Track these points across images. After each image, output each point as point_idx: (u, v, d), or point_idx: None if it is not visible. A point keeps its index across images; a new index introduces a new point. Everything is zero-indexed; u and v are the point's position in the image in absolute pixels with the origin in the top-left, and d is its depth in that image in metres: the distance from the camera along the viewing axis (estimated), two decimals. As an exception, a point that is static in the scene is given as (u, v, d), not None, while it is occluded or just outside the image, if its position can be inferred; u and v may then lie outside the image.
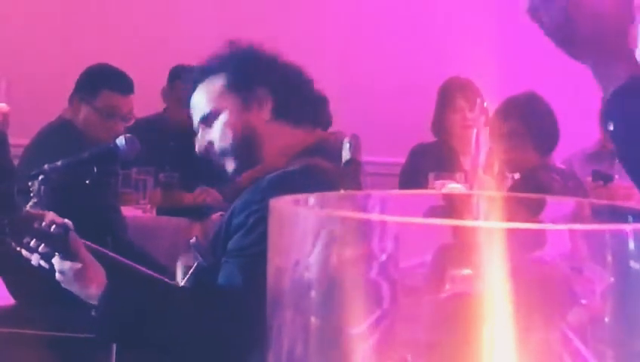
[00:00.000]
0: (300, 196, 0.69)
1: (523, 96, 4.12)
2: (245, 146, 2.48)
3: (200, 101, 2.56)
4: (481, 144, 4.64)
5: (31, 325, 3.71)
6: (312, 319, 0.69)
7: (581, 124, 4.61)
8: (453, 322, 0.67)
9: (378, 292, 0.67)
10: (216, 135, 2.52)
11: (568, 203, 0.82)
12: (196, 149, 2.61)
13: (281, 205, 0.68)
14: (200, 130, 2.59)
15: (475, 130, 4.63)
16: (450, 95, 4.98)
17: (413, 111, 5.30)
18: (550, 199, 0.80)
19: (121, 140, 3.02)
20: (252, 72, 2.51)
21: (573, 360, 0.69)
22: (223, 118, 2.51)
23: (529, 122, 3.98)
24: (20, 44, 5.68)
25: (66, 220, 2.44)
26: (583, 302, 0.70)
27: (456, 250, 0.69)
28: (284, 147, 2.48)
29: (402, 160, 5.05)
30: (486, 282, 0.67)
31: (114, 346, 3.76)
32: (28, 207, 3.09)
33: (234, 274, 2.30)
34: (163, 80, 5.29)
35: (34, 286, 3.30)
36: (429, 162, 4.66)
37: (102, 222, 3.59)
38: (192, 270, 2.54)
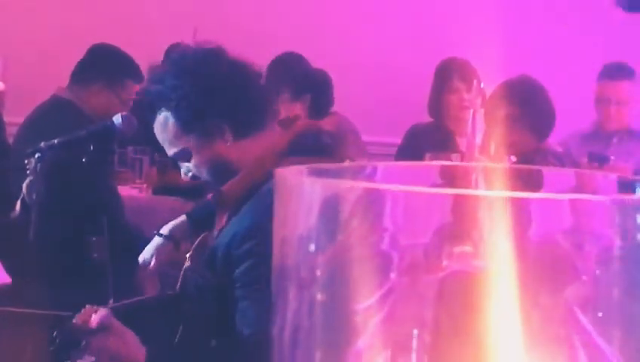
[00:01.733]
0: (305, 167, 0.68)
1: (518, 79, 4.10)
2: (222, 173, 2.47)
3: (162, 141, 2.52)
4: (478, 125, 4.64)
5: (27, 304, 3.70)
6: (318, 294, 0.69)
7: (577, 105, 4.60)
8: (457, 297, 0.67)
9: (385, 267, 0.67)
10: (193, 169, 2.51)
11: (569, 176, 0.82)
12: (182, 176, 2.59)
13: (287, 175, 0.68)
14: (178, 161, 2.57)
15: (471, 111, 4.61)
16: (447, 76, 4.96)
17: (410, 92, 5.29)
18: (548, 172, 0.80)
19: (118, 118, 3.01)
20: (199, 108, 2.43)
21: (577, 333, 0.69)
22: (189, 158, 2.50)
23: (525, 106, 3.97)
24: (16, 23, 5.66)
25: (103, 312, 2.43)
26: (584, 277, 0.69)
27: (456, 225, 0.68)
28: (259, 159, 2.46)
29: (399, 140, 5.04)
30: (488, 255, 0.66)
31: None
32: (24, 185, 3.08)
33: (253, 319, 2.31)
34: (159, 58, 5.27)
35: (31, 264, 3.29)
36: (425, 143, 4.65)
37: (98, 201, 3.58)
38: (181, 274, 2.54)
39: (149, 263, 3.32)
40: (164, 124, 2.47)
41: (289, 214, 0.69)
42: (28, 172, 3.04)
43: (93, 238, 3.24)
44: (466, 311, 0.70)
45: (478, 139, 4.34)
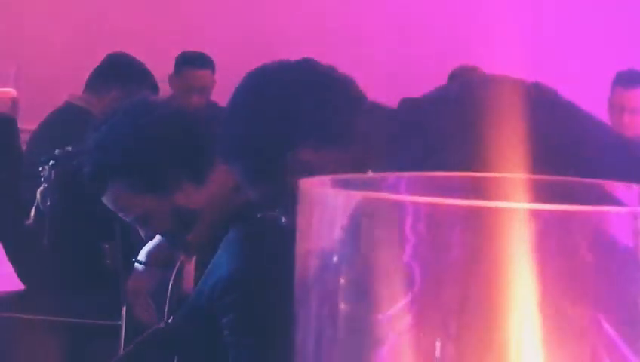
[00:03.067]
0: (328, 178, 0.68)
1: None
2: (185, 223, 2.34)
3: (116, 210, 2.38)
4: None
5: (41, 311, 3.71)
6: (341, 306, 0.68)
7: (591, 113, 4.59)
8: (481, 307, 0.67)
9: (408, 277, 0.67)
10: (155, 229, 2.40)
11: (590, 186, 0.81)
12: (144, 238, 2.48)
13: (310, 187, 0.68)
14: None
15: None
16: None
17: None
18: (570, 182, 0.79)
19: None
20: (151, 168, 2.29)
21: (602, 344, 0.68)
22: (150, 220, 2.36)
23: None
24: (30, 31, 5.68)
25: None
26: (608, 288, 0.69)
27: (476, 238, 0.68)
28: (217, 198, 2.32)
29: (410, 147, 5.04)
30: (513, 266, 0.66)
31: (122, 332, 3.76)
32: (38, 193, 3.09)
33: None
34: (170, 67, 5.28)
35: (44, 271, 3.30)
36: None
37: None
38: (167, 303, 2.52)
39: (137, 291, 3.30)
40: (114, 193, 2.33)
41: (312, 226, 0.68)
42: (42, 179, 3.05)
43: (106, 245, 3.25)
44: (489, 322, 0.69)
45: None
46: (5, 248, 3.14)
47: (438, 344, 0.69)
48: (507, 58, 4.17)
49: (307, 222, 0.69)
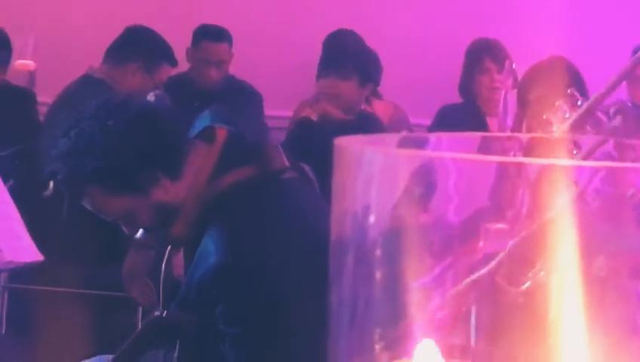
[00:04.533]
0: (364, 137, 0.67)
1: (550, 61, 4.07)
2: (166, 218, 2.32)
3: (97, 212, 2.37)
4: (509, 106, 4.60)
5: (59, 283, 3.72)
6: (377, 268, 0.68)
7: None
8: (523, 266, 0.66)
9: (446, 239, 0.66)
10: (139, 226, 2.38)
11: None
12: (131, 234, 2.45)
13: (346, 146, 0.67)
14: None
15: (503, 92, 4.58)
16: (478, 56, 4.93)
17: (441, 73, 5.26)
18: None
19: (151, 97, 3.01)
20: (124, 170, 2.28)
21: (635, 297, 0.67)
22: (131, 219, 2.35)
23: (557, 89, 3.93)
24: (47, 3, 5.66)
25: None
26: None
27: (500, 199, 0.67)
28: (195, 189, 2.31)
29: (428, 122, 5.02)
30: (557, 222, 0.65)
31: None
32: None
33: (244, 352, 2.26)
34: (187, 40, 5.27)
35: (63, 242, 3.30)
36: (455, 124, 4.63)
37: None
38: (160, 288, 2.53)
39: (133, 273, 3.30)
40: (92, 197, 2.32)
41: (348, 185, 0.67)
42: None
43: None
44: (524, 287, 0.68)
45: (510, 121, 4.31)
46: (25, 220, 3.15)
47: (473, 309, 0.68)
48: (529, 32, 4.14)
49: (343, 181, 0.68)
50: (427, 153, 0.64)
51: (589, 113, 0.85)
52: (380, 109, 4.73)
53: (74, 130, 2.30)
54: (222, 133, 2.39)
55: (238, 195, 2.33)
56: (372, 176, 0.65)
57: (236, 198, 2.32)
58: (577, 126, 0.79)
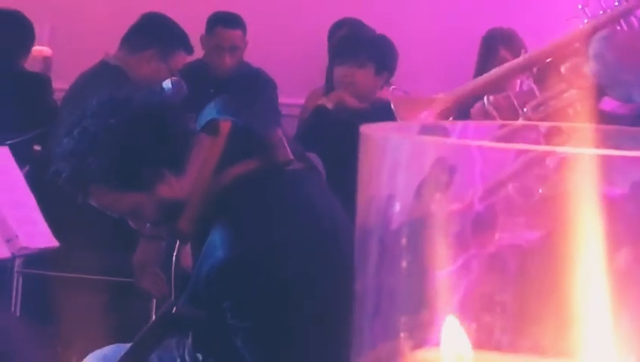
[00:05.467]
0: (391, 124, 0.67)
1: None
2: (173, 213, 2.32)
3: (104, 209, 2.39)
4: (524, 83, 4.58)
5: (75, 269, 3.73)
6: (402, 256, 0.67)
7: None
8: (550, 254, 0.65)
9: (472, 227, 0.66)
10: (147, 221, 2.39)
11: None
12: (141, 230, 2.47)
13: (373, 133, 0.67)
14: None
15: (518, 82, 4.56)
16: (494, 45, 4.92)
17: (456, 62, 5.25)
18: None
19: (167, 84, 3.01)
20: (129, 168, 2.28)
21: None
22: (138, 215, 2.36)
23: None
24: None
25: None
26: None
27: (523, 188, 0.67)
28: (201, 183, 2.32)
29: (443, 111, 5.01)
30: (582, 211, 0.65)
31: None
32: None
33: (253, 348, 2.27)
34: (203, 27, 5.27)
35: (78, 228, 3.30)
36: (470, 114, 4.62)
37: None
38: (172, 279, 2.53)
39: (144, 264, 3.30)
40: (97, 195, 2.33)
41: (373, 173, 0.67)
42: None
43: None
44: (549, 274, 0.68)
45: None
46: (40, 205, 3.16)
47: (499, 299, 0.68)
48: (544, 22, 4.13)
49: (369, 168, 0.67)
50: (453, 140, 0.64)
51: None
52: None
53: (77, 128, 2.30)
54: (226, 126, 2.38)
55: (243, 188, 2.32)
56: (398, 163, 0.65)
57: (241, 191, 2.32)
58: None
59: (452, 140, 0.64)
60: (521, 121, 1.78)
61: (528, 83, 3.13)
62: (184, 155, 2.32)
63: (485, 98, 2.70)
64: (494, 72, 2.54)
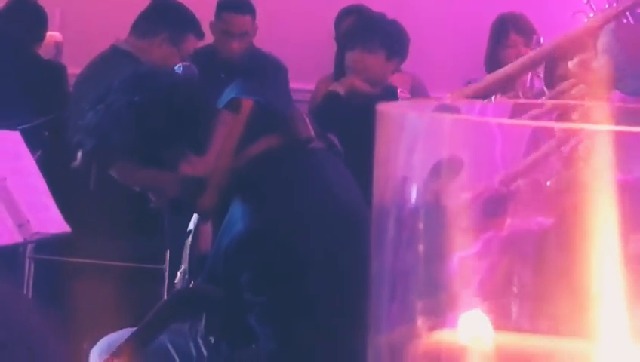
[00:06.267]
0: (408, 101, 0.66)
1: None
2: (195, 191, 2.33)
3: (124, 182, 2.38)
4: (535, 81, 4.57)
5: (86, 254, 3.73)
6: (419, 237, 0.66)
7: None
8: (568, 234, 0.65)
9: (493, 207, 0.65)
10: (166, 196, 2.38)
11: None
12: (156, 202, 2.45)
13: (390, 110, 0.66)
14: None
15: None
16: (504, 30, 4.91)
17: (466, 47, 5.23)
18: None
19: (179, 68, 3.00)
20: (152, 146, 2.29)
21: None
22: (160, 190, 2.37)
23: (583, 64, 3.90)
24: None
25: None
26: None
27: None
28: (223, 160, 2.32)
29: (454, 96, 5.00)
30: (600, 189, 0.64)
31: (166, 276, 3.78)
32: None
33: (269, 325, 2.26)
34: (212, 12, 5.26)
35: (90, 214, 3.31)
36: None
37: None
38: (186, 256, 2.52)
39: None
40: (119, 169, 2.34)
41: (391, 152, 0.66)
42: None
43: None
44: (566, 256, 0.67)
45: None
46: (52, 191, 3.16)
47: (516, 281, 0.67)
48: (555, 6, 4.11)
49: (386, 146, 0.66)
50: (473, 117, 0.63)
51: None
52: (399, 82, 4.70)
53: (101, 104, 2.31)
54: (247, 103, 2.39)
55: (265, 165, 2.33)
56: (415, 141, 0.64)
57: (262, 168, 2.33)
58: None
59: (471, 117, 0.63)
60: (543, 100, 1.77)
61: (538, 81, 3.12)
62: (206, 133, 2.33)
63: (493, 98, 2.69)
64: (502, 71, 2.53)
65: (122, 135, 2.27)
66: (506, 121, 0.60)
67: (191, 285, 2.45)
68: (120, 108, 2.28)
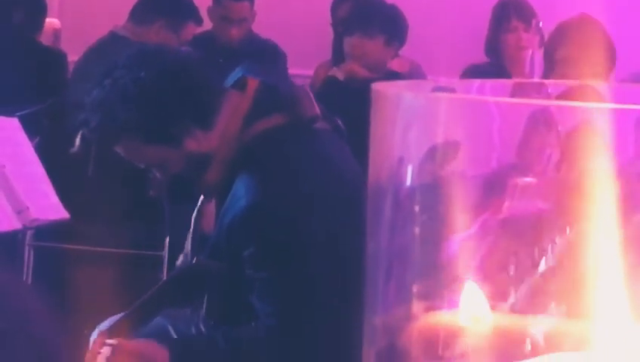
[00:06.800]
0: (405, 82, 0.66)
1: (577, 19, 4.02)
2: (199, 167, 2.33)
3: (131, 160, 2.39)
4: (536, 66, 4.57)
5: (85, 241, 3.73)
6: (415, 218, 0.66)
7: (637, 47, 4.52)
8: (566, 212, 0.64)
9: (491, 188, 0.64)
10: (170, 172, 2.39)
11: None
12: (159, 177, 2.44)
13: (385, 91, 0.65)
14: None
15: (530, 52, 4.54)
16: (505, 15, 4.88)
17: (467, 32, 5.22)
18: None
19: (177, 53, 2.98)
20: (157, 122, 2.29)
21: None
22: (165, 167, 2.37)
23: (583, 47, 3.89)
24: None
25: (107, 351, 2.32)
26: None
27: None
28: (228, 136, 2.33)
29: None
30: (598, 167, 0.63)
31: (165, 262, 3.78)
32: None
33: (270, 300, 2.26)
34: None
35: (89, 201, 3.30)
36: (481, 83, 4.59)
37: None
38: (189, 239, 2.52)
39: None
40: (124, 146, 2.34)
41: (387, 131, 0.66)
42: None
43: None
44: (565, 237, 0.67)
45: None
46: (51, 177, 3.15)
47: (514, 261, 0.67)
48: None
49: (381, 127, 0.66)
50: (470, 96, 0.63)
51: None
52: (397, 66, 4.69)
53: (107, 80, 2.32)
54: (253, 83, 2.40)
55: (270, 142, 2.34)
56: (412, 121, 0.63)
57: (267, 145, 2.33)
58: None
59: (468, 96, 0.62)
60: (537, 80, 1.76)
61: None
62: (212, 110, 2.34)
63: None
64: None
65: (128, 111, 2.28)
66: (503, 99, 0.59)
67: (194, 261, 2.45)
68: (126, 84, 2.29)
